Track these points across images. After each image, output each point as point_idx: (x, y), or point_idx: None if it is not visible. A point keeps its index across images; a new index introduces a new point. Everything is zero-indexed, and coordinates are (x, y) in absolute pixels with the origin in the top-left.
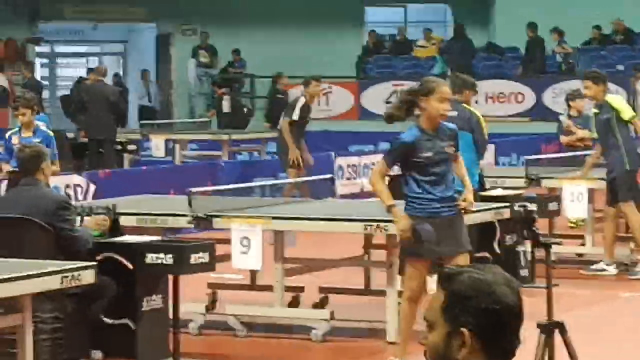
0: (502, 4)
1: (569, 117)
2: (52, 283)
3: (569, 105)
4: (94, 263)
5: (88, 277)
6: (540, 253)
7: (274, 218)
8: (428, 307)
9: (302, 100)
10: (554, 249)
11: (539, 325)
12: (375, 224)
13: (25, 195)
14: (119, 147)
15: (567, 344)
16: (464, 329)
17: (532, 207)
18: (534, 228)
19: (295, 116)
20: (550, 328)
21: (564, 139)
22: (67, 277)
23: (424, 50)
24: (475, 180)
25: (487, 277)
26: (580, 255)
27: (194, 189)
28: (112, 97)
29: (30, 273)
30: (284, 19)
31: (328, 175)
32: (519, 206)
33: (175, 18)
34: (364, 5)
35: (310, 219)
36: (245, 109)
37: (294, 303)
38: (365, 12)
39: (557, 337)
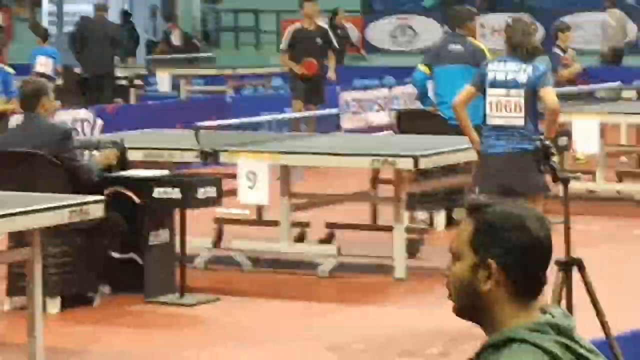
0: None
1: (561, 49)
2: (60, 217)
3: (557, 37)
4: (103, 197)
5: (96, 211)
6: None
7: (280, 153)
8: (454, 237)
9: (293, 27)
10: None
11: (556, 262)
12: (382, 158)
13: (29, 130)
14: (125, 82)
15: (586, 281)
16: (491, 261)
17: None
18: (552, 163)
19: (284, 45)
20: (568, 265)
21: (564, 72)
22: (75, 211)
23: None
24: (480, 114)
25: (519, 211)
26: (591, 191)
27: (200, 124)
28: (111, 33)
29: (38, 207)
30: None
31: (334, 110)
32: (536, 140)
33: None
34: None
35: (317, 154)
36: (196, 42)
37: (300, 238)
38: None
39: (575, 275)
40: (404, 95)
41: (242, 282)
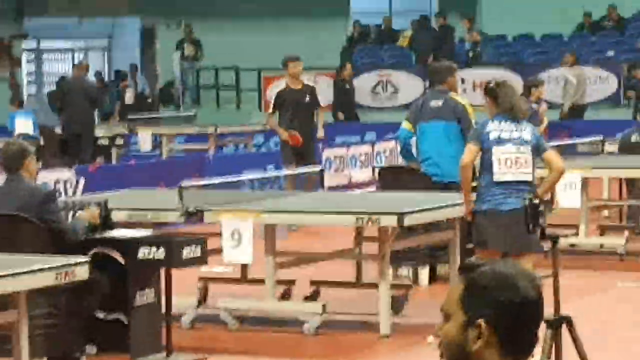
0: None
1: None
2: (47, 279)
3: (529, 92)
4: (87, 259)
5: (82, 272)
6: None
7: (264, 211)
8: (446, 297)
9: (277, 90)
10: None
11: (545, 320)
12: (367, 216)
13: (12, 192)
14: (106, 141)
15: (575, 339)
16: (481, 320)
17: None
18: (540, 221)
19: (270, 109)
20: (557, 323)
21: (540, 127)
22: (60, 273)
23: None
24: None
25: (509, 271)
26: (572, 245)
27: (184, 183)
28: (90, 92)
29: (24, 270)
30: (268, 10)
31: (318, 167)
32: (524, 199)
33: (159, 11)
34: None
35: (301, 212)
36: (149, 100)
37: (286, 296)
38: (349, 2)
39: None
40: (387, 151)
41: (228, 340)
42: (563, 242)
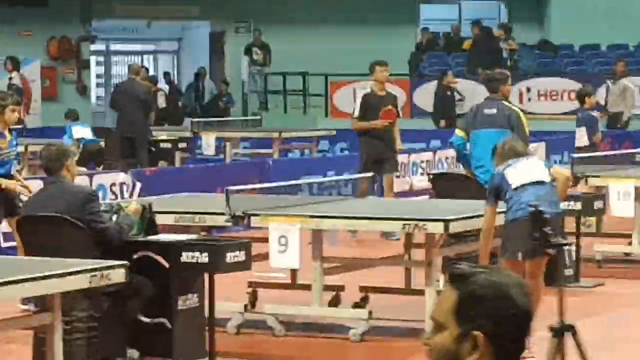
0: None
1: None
2: (80, 282)
3: (584, 102)
4: (125, 262)
5: (118, 276)
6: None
7: (311, 216)
8: (436, 306)
9: (363, 93)
10: (600, 248)
11: (550, 328)
12: (413, 223)
13: (53, 194)
14: (169, 144)
15: (579, 347)
16: (477, 332)
17: (543, 207)
18: (545, 229)
19: (356, 112)
20: (561, 331)
21: (598, 136)
22: (95, 275)
23: None
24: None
25: (502, 280)
26: (627, 254)
27: (232, 187)
28: (142, 96)
29: (57, 272)
30: (337, 17)
31: (370, 174)
32: (530, 206)
33: (228, 16)
34: (417, 2)
35: (348, 218)
36: (180, 105)
37: (335, 302)
38: (419, 9)
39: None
40: (449, 158)
41: (274, 346)
42: (616, 251)
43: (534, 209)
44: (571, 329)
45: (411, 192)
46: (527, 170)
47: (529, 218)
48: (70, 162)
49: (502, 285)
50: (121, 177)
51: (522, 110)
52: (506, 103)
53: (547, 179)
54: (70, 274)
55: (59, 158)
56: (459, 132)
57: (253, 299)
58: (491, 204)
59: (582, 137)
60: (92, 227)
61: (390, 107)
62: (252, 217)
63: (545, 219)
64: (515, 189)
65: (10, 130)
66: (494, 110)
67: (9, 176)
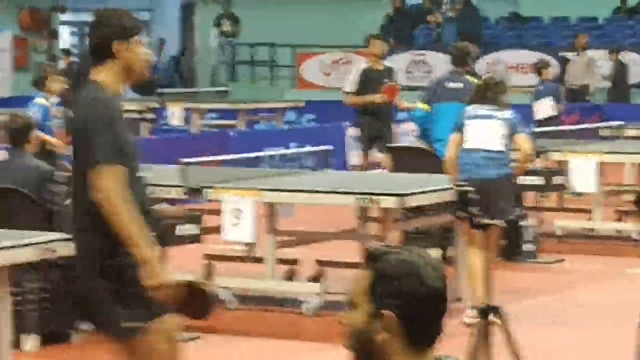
0: None
1: None
2: (30, 255)
3: (541, 74)
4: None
5: (67, 249)
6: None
7: (264, 190)
8: (352, 285)
9: (360, 67)
10: (560, 223)
11: (475, 309)
12: (367, 197)
13: (14, 166)
14: (137, 115)
15: (505, 330)
16: (387, 311)
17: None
18: (470, 208)
19: (351, 86)
20: (486, 312)
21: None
22: (45, 249)
23: None
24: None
25: (414, 259)
26: (588, 229)
27: (188, 159)
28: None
29: (6, 245)
30: None
31: (328, 147)
32: (456, 185)
33: None
34: None
35: (300, 191)
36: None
37: (290, 276)
38: None
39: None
40: (415, 131)
41: (225, 319)
42: (578, 227)
43: (461, 189)
44: (496, 310)
45: (374, 165)
46: (480, 134)
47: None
48: (34, 135)
49: (414, 265)
50: None
51: None
52: (469, 77)
53: (498, 147)
54: (20, 246)
55: (24, 131)
56: (420, 106)
57: (208, 272)
58: (454, 134)
59: (546, 109)
60: (45, 207)
61: (393, 82)
62: (206, 191)
63: (471, 199)
64: (464, 149)
65: None
66: (460, 85)
67: None
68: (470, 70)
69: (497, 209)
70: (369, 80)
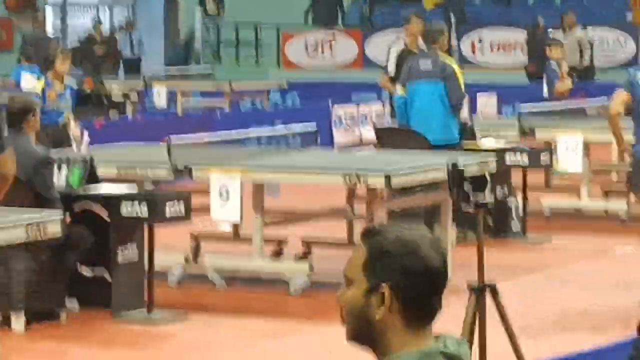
0: None
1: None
2: (17, 234)
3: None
4: (60, 216)
5: (54, 228)
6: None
7: (252, 169)
8: (348, 262)
9: (397, 47)
10: (549, 203)
11: (469, 287)
12: (354, 175)
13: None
14: (120, 96)
15: (499, 307)
16: (384, 287)
17: (468, 164)
18: (465, 187)
19: (390, 68)
20: (481, 290)
21: (561, 86)
22: (32, 228)
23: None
24: (453, 132)
25: (413, 236)
26: (577, 209)
27: (175, 138)
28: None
29: None
30: None
31: (314, 125)
32: (450, 164)
33: None
34: None
35: (288, 170)
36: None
37: (277, 255)
38: None
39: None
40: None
41: (213, 299)
42: (567, 206)
43: (452, 167)
44: (491, 288)
45: (360, 144)
46: None
47: None
48: (32, 117)
49: (411, 240)
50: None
51: (471, 62)
52: (442, 55)
53: None
54: (7, 226)
55: (22, 112)
56: (399, 90)
57: (195, 252)
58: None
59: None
60: (39, 192)
61: None
62: (193, 170)
63: (464, 177)
64: None
65: None
66: (430, 63)
67: None
68: (443, 48)
69: None
70: (404, 62)
